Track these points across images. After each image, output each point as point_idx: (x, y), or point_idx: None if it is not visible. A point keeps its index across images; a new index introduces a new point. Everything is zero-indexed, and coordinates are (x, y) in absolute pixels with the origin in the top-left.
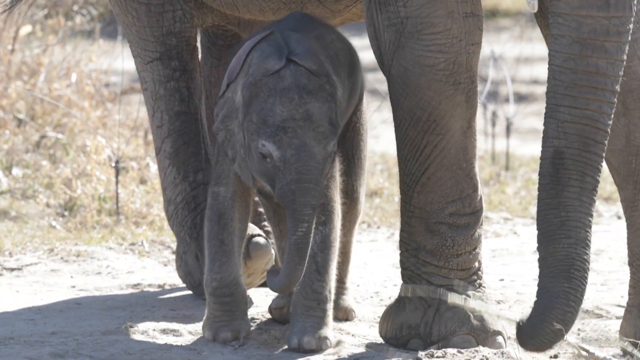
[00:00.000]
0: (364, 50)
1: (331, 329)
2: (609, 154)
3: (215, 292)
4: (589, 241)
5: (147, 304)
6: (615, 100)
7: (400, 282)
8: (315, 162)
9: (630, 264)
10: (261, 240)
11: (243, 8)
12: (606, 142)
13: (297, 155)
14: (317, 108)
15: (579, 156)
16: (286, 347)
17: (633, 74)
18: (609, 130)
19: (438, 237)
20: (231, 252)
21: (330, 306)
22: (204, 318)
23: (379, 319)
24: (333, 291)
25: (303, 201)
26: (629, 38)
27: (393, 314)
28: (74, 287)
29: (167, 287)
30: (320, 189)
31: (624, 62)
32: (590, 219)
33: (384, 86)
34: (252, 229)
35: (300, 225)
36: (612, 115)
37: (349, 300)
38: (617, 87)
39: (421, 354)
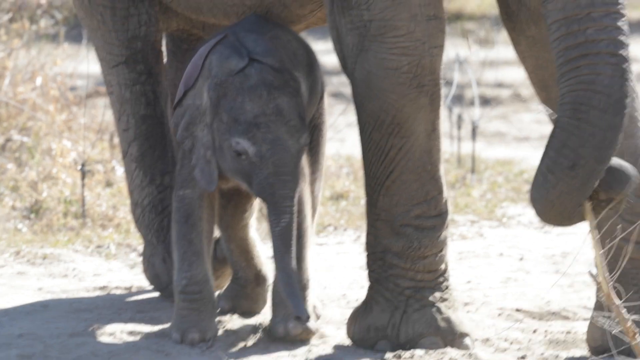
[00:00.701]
0: (329, 54)
1: (313, 315)
2: None
3: (185, 290)
4: None
5: (114, 306)
6: (621, 63)
7: (367, 284)
8: (290, 155)
9: (597, 265)
10: None
11: (208, 12)
12: (613, 107)
13: (273, 149)
14: (286, 102)
15: (567, 124)
16: (253, 348)
17: None
18: (617, 91)
19: (404, 239)
20: (200, 252)
21: (309, 292)
22: (172, 320)
23: (346, 321)
24: (311, 279)
25: (282, 193)
26: (623, 10)
27: (360, 315)
28: (40, 289)
29: (134, 289)
30: (297, 181)
31: (620, 30)
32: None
33: (348, 89)
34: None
35: (283, 217)
36: (626, 78)
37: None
38: (620, 51)
39: (389, 355)
